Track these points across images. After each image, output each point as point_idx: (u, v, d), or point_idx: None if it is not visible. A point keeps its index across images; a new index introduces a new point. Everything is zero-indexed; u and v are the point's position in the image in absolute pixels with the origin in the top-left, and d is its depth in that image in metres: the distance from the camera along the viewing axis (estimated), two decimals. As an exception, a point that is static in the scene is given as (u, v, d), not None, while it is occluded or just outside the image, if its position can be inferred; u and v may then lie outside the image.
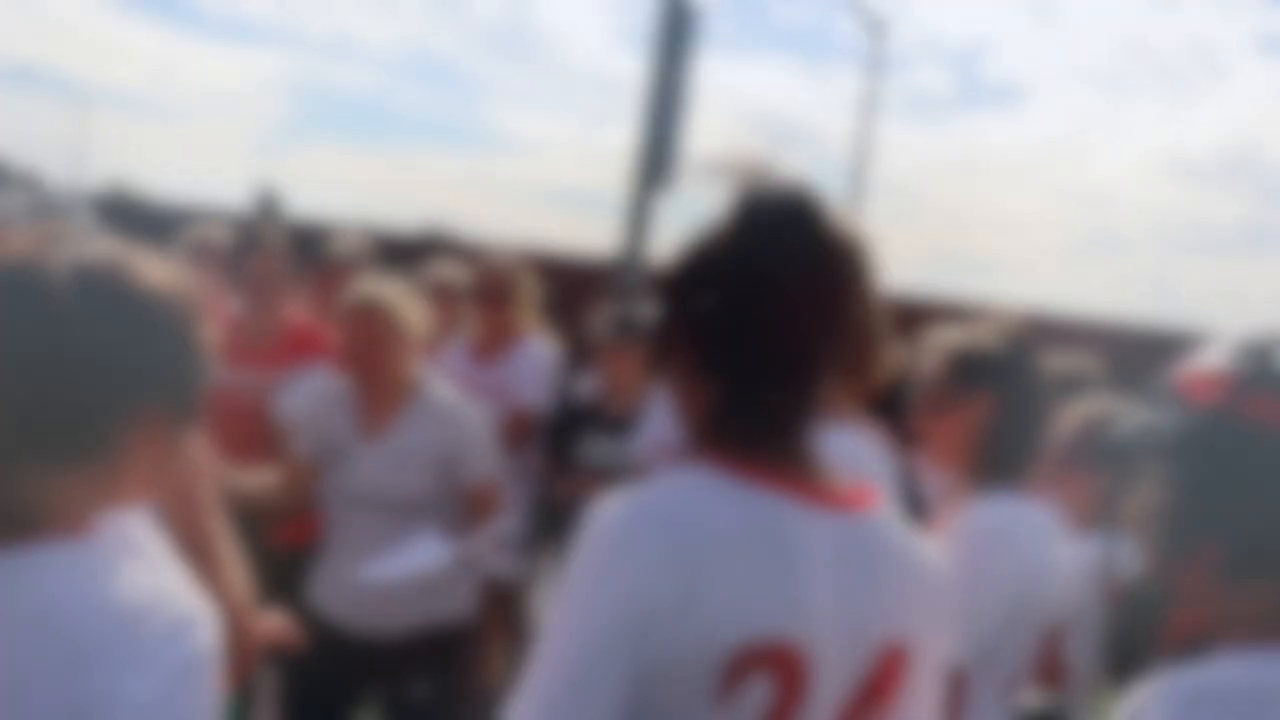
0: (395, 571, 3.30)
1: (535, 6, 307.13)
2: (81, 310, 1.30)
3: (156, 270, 1.40)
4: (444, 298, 5.35)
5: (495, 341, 4.99)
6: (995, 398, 2.46)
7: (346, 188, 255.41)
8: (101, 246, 1.39)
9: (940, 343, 2.53)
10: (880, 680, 1.46)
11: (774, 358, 1.45)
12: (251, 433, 4.05)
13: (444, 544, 3.39)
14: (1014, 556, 2.36)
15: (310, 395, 3.69)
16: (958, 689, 2.32)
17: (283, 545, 4.08)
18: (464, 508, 3.61)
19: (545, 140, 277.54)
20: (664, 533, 1.35)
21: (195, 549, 2.29)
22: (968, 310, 2.21)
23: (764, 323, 1.44)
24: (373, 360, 3.47)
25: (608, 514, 1.39)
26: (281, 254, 4.29)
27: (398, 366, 3.52)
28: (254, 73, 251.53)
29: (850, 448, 1.97)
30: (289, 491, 3.64)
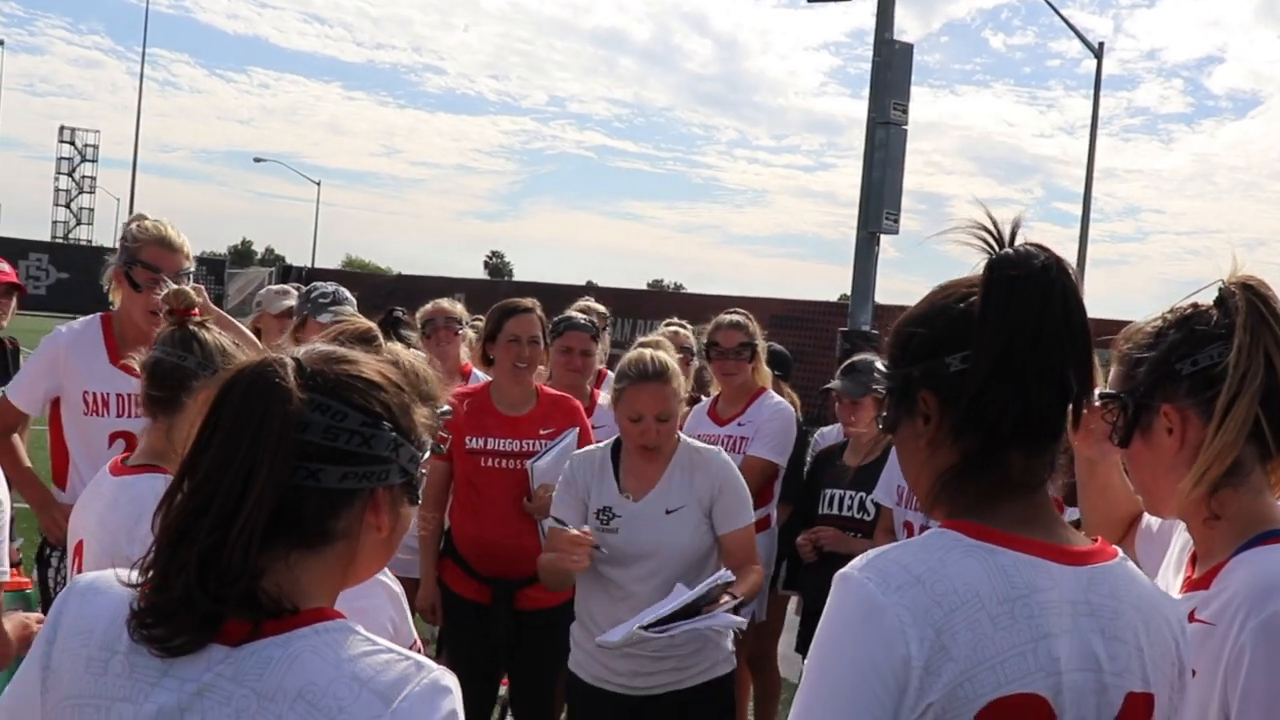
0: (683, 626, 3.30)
1: (747, 55, 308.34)
2: (314, 407, 1.41)
3: (375, 362, 1.53)
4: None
5: (733, 399, 5.13)
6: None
7: (571, 247, 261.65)
8: (323, 345, 1.54)
9: None
10: None
11: (1023, 419, 1.49)
12: (516, 499, 4.28)
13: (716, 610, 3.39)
14: None
15: (574, 462, 3.82)
16: None
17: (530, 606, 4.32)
18: (724, 559, 3.63)
19: (766, 187, 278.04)
20: (914, 595, 1.39)
21: None
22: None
23: (1017, 385, 1.47)
24: (660, 428, 3.59)
25: (858, 575, 1.42)
26: (538, 327, 4.50)
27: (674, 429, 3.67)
28: (474, 141, 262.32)
29: None
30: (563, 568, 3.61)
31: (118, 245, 3.96)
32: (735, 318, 5.15)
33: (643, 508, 3.64)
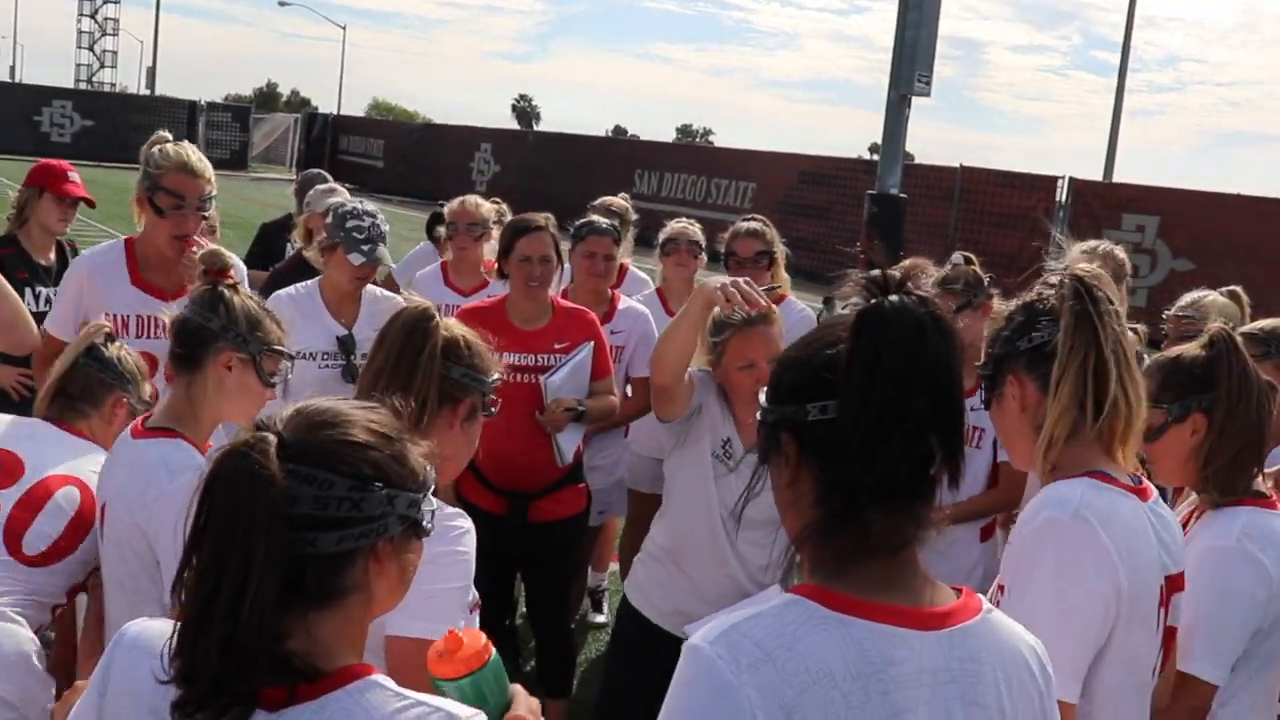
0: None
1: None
2: (300, 479, 1.44)
3: (363, 417, 1.54)
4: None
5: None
6: (1206, 416, 2.50)
7: (601, 90, 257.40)
8: (316, 402, 1.55)
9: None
10: None
11: (881, 479, 1.44)
12: (530, 413, 4.30)
13: None
14: (1254, 569, 2.41)
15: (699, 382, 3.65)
16: (1206, 703, 2.40)
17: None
18: None
19: (799, 30, 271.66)
20: (765, 674, 1.36)
21: None
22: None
23: (874, 443, 1.43)
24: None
25: (708, 650, 1.39)
26: (550, 245, 4.46)
27: None
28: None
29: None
30: None
31: (140, 167, 3.98)
32: (752, 225, 5.10)
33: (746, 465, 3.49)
